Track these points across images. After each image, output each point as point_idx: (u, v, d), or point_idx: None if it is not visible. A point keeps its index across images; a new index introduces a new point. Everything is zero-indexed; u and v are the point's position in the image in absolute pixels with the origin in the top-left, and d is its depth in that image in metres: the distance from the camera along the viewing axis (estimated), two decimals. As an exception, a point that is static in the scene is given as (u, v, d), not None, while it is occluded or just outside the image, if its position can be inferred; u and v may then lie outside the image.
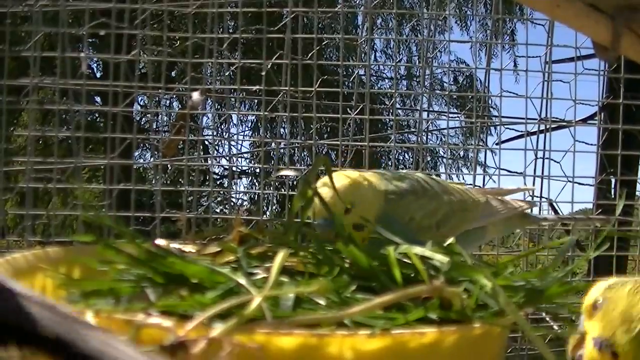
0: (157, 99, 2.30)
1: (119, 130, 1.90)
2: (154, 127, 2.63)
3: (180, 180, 2.19)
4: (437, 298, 0.58)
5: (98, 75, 5.71)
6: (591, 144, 1.96)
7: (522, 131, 2.07)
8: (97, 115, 4.99)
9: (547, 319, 1.72)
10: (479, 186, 1.74)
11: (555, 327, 1.74)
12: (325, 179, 1.14)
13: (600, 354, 0.70)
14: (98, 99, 4.11)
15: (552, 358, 0.56)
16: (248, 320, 0.51)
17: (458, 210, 1.29)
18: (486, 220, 1.36)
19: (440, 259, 0.67)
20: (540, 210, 2.03)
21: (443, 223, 1.26)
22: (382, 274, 0.65)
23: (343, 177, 1.14)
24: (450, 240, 0.75)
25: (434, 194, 1.27)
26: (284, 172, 1.77)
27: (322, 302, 0.59)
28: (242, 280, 0.59)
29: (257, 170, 4.23)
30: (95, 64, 5.87)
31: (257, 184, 5.68)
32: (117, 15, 1.92)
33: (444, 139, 5.03)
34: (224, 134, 3.53)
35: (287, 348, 0.51)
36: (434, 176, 1.45)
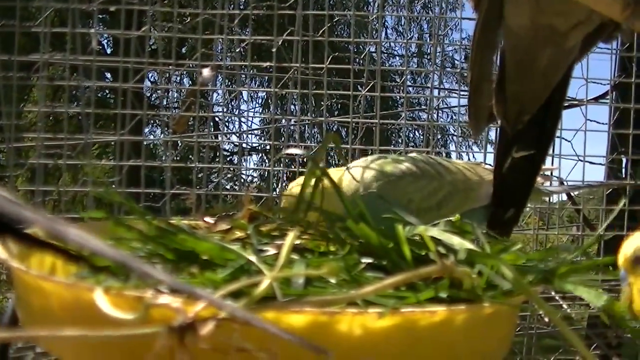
0: (167, 75, 2.30)
1: (129, 107, 1.90)
2: (165, 103, 2.63)
3: (190, 156, 2.19)
4: (447, 278, 0.58)
5: (108, 51, 5.71)
6: (603, 123, 1.95)
7: (533, 109, 2.05)
8: (107, 91, 4.99)
9: (557, 297, 1.72)
10: (490, 164, 1.74)
11: (565, 306, 1.75)
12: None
13: None
14: (108, 75, 4.11)
15: (570, 334, 0.56)
16: (259, 299, 0.51)
17: (461, 189, 1.29)
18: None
19: (448, 238, 0.67)
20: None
21: (445, 203, 1.26)
22: (392, 251, 0.64)
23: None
24: (456, 216, 0.74)
25: (434, 175, 1.27)
26: (292, 151, 1.77)
27: (332, 280, 0.59)
28: (252, 258, 0.59)
29: (267, 147, 4.22)
30: (105, 40, 5.87)
31: (267, 160, 5.69)
32: (128, -9, 1.92)
33: (454, 116, 5.02)
34: (235, 110, 3.53)
35: (297, 326, 0.51)
36: (435, 156, 1.45)
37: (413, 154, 1.40)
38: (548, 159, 1.85)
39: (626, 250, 0.79)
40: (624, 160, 2.02)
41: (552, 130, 1.18)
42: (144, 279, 0.49)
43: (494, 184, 1.21)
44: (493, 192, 1.21)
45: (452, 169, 1.31)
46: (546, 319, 1.73)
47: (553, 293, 1.72)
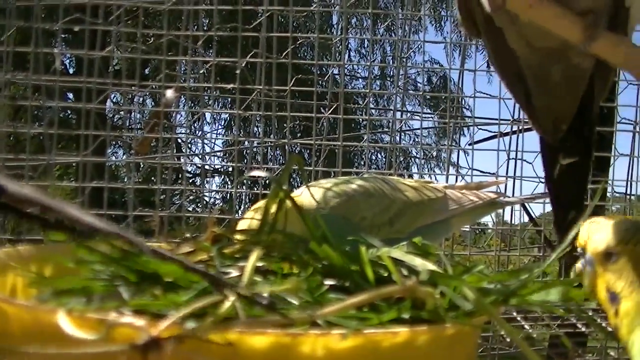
0: (130, 96, 2.29)
1: (92, 128, 1.89)
2: (127, 124, 2.62)
3: (153, 178, 2.18)
4: (409, 298, 0.59)
5: (71, 71, 5.67)
6: (563, 145, 1.97)
7: (495, 132, 2.08)
8: (69, 111, 4.95)
9: (518, 318, 1.73)
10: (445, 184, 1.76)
11: (526, 327, 1.76)
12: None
13: (611, 305, 0.76)
14: (71, 95, 4.08)
15: (532, 354, 0.56)
16: (222, 319, 0.51)
17: (413, 205, 1.31)
18: (446, 213, 1.38)
19: (410, 260, 0.67)
20: (512, 210, 2.05)
21: (397, 219, 1.29)
22: (355, 273, 0.65)
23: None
24: (418, 238, 0.75)
25: (385, 193, 1.30)
26: (255, 173, 1.77)
27: (295, 301, 0.59)
28: (215, 280, 0.59)
29: (230, 168, 4.22)
30: (68, 60, 5.83)
31: (229, 182, 5.68)
32: (92, 11, 1.91)
33: (417, 139, 5.06)
34: (197, 132, 3.52)
35: (259, 347, 0.51)
36: (386, 176, 1.48)
37: (365, 175, 1.42)
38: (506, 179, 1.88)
39: (597, 244, 0.79)
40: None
41: (590, 135, 1.19)
42: (137, 247, 0.50)
43: (549, 190, 1.22)
44: (550, 198, 1.22)
45: (402, 187, 1.34)
46: (508, 340, 1.74)
47: (515, 314, 1.73)
